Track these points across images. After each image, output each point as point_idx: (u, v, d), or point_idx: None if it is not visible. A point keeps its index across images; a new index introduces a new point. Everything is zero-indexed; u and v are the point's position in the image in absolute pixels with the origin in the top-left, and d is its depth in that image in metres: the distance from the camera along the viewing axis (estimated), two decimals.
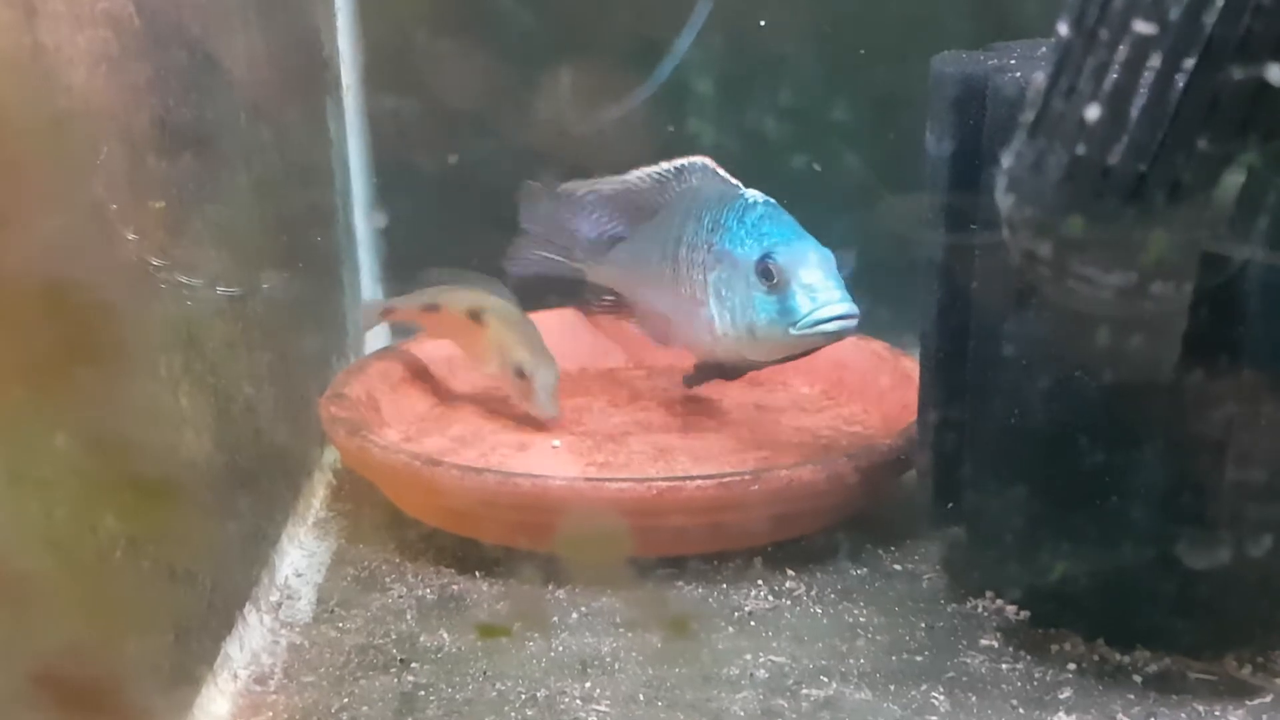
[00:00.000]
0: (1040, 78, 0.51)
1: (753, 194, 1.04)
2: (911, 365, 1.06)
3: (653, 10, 1.24)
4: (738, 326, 1.00)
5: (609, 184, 1.14)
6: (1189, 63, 0.46)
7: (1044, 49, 0.86)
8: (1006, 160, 0.52)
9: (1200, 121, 0.47)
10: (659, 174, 1.11)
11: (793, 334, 0.97)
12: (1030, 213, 0.50)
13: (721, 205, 1.03)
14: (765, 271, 0.97)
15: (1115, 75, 0.47)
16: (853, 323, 0.96)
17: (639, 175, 1.12)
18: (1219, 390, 0.68)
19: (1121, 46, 0.47)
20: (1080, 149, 0.48)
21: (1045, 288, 0.53)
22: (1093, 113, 0.48)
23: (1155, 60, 0.47)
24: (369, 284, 1.32)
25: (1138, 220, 0.48)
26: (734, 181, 1.07)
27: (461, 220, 1.29)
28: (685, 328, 1.06)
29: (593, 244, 1.15)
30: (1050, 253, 0.50)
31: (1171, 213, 0.47)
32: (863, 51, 1.23)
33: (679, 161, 1.10)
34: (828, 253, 0.98)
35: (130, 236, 0.70)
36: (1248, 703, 0.78)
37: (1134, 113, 0.47)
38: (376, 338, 1.32)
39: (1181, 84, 0.46)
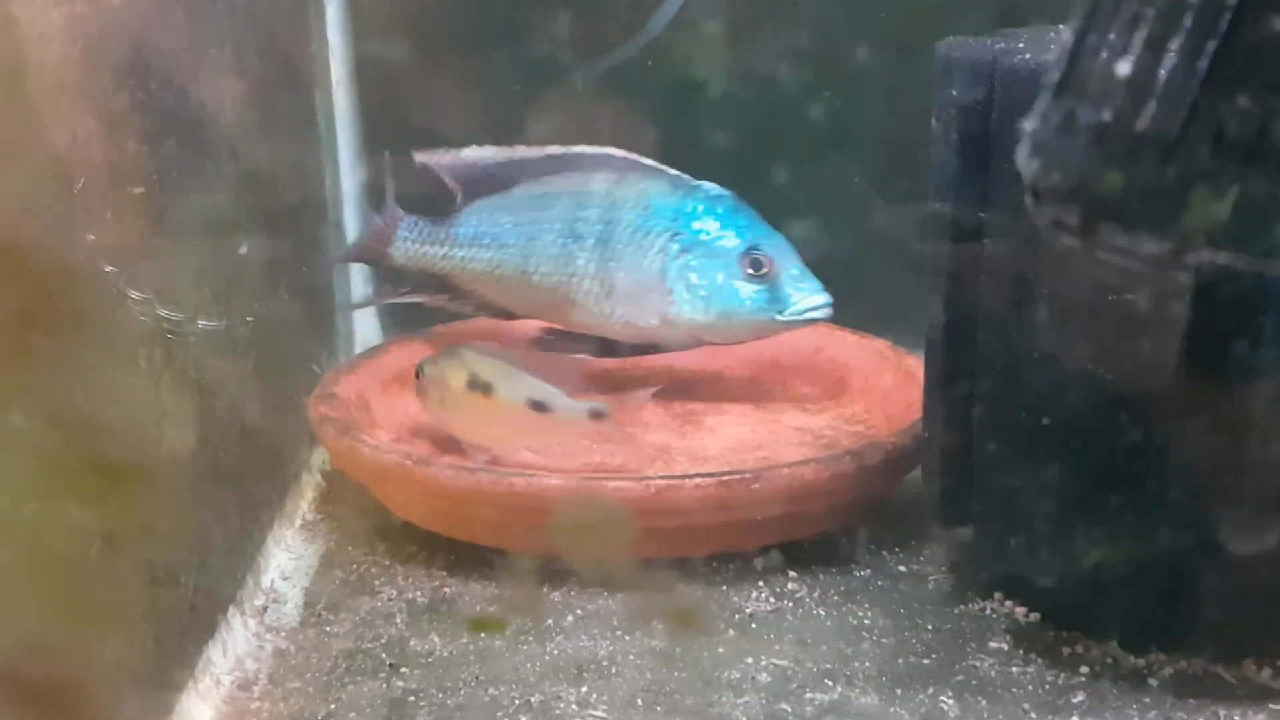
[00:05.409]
0: (1067, 34, 0.48)
1: (712, 186, 1.09)
2: (915, 364, 1.04)
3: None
4: (709, 312, 1.08)
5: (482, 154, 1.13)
6: (1228, 13, 0.44)
7: (1053, 34, 0.84)
8: (1030, 123, 0.49)
9: (1241, 77, 0.44)
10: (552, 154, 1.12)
11: (779, 320, 1.07)
12: (1057, 178, 0.48)
13: (679, 194, 1.09)
14: (755, 262, 1.07)
15: (1149, 28, 0.45)
16: (830, 312, 1.07)
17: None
18: (1244, 379, 0.65)
19: None
20: (1111, 109, 0.46)
21: (1073, 259, 0.51)
22: (1124, 69, 0.46)
23: (1192, 11, 0.44)
24: (359, 282, 1.29)
25: (1174, 184, 0.46)
26: (672, 171, 1.10)
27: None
28: (610, 307, 1.10)
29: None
30: (1079, 220, 0.48)
31: (1210, 175, 0.45)
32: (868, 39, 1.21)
33: (582, 148, 1.11)
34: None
35: (105, 221, 0.67)
36: (1271, 706, 0.76)
37: (1169, 68, 0.45)
38: (368, 335, 1.29)
39: (1221, 36, 0.44)
